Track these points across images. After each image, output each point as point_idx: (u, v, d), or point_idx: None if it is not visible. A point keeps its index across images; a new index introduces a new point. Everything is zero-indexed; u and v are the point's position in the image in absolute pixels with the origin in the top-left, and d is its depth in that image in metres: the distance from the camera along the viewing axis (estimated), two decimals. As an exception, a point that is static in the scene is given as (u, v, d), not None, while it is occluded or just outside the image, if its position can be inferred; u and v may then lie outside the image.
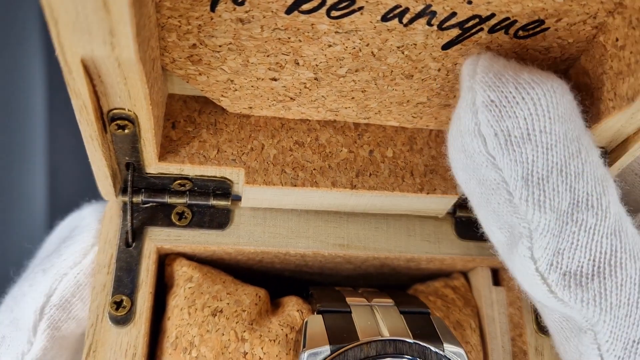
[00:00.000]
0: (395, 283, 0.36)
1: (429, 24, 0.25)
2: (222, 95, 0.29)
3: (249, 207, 0.31)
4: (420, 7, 0.24)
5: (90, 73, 0.22)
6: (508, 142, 0.22)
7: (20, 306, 0.30)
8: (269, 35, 0.25)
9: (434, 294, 0.33)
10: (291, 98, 0.29)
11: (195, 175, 0.29)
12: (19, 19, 0.63)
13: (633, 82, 0.24)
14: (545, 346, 0.31)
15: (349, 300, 0.29)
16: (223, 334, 0.28)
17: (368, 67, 0.27)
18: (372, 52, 0.27)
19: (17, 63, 0.62)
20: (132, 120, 0.25)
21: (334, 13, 0.24)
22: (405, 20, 0.25)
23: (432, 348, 0.27)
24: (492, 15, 0.25)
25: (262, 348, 0.27)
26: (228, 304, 0.29)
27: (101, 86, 0.23)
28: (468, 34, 0.26)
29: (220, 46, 0.26)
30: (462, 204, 0.32)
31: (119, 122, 0.25)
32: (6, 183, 0.62)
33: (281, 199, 0.30)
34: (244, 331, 0.28)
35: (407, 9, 0.24)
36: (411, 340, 0.27)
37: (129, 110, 0.24)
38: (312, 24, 0.25)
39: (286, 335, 0.28)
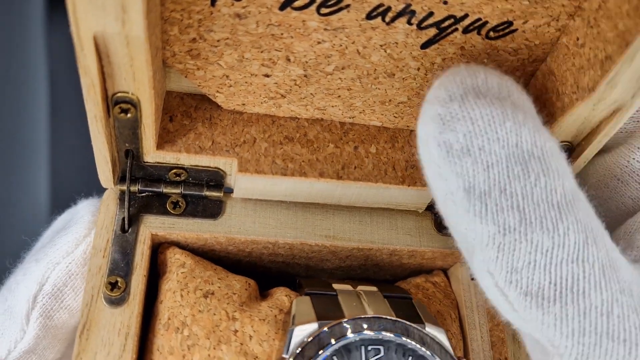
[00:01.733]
0: (378, 280, 0.37)
1: (409, 22, 0.28)
2: (217, 91, 0.31)
3: (240, 199, 0.33)
4: (401, 6, 0.27)
5: (100, 52, 0.24)
6: (450, 153, 0.24)
7: (14, 295, 0.30)
8: (264, 31, 0.28)
9: (415, 287, 0.34)
10: (282, 95, 0.31)
11: (191, 165, 0.31)
12: (22, 11, 0.64)
13: (593, 74, 0.26)
14: (522, 334, 0.32)
15: (335, 285, 0.30)
16: (214, 314, 0.29)
17: (353, 65, 0.30)
18: (357, 50, 0.29)
19: (20, 60, 0.64)
20: (135, 105, 0.27)
21: (324, 10, 0.27)
22: (387, 19, 0.27)
23: (415, 326, 0.28)
24: (466, 15, 0.28)
25: (252, 326, 0.28)
26: (219, 287, 0.30)
27: (108, 67, 0.25)
28: (444, 33, 0.28)
29: (218, 41, 0.28)
30: (442, 201, 0.34)
31: (122, 105, 0.26)
32: (8, 179, 0.63)
33: (272, 189, 0.31)
34: (235, 311, 0.29)
35: (389, 8, 0.27)
36: (395, 318, 0.28)
37: (132, 93, 0.26)
38: (304, 21, 0.27)
39: (275, 316, 0.29)
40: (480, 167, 0.23)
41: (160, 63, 0.28)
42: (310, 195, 0.32)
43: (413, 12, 0.27)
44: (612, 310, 0.23)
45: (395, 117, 0.33)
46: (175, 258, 0.31)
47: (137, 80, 0.25)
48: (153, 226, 0.31)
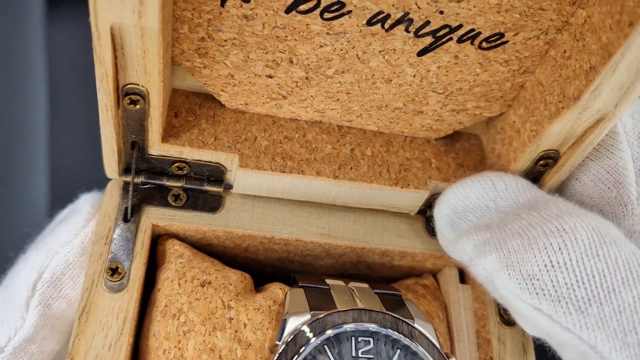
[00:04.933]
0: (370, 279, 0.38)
1: (407, 30, 0.29)
2: (222, 90, 0.32)
3: (240, 195, 0.34)
4: (399, 14, 0.28)
5: (115, 43, 0.25)
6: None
7: (15, 283, 0.31)
8: (269, 33, 0.29)
9: (406, 289, 0.35)
10: (283, 96, 0.33)
11: (193, 159, 0.32)
12: (22, 9, 0.64)
13: (578, 84, 0.28)
14: (507, 336, 0.33)
15: (327, 280, 0.31)
16: (211, 302, 0.30)
17: (353, 69, 0.31)
18: (357, 55, 0.31)
19: (20, 54, 0.64)
20: (144, 97, 0.28)
21: (327, 15, 0.28)
22: (386, 26, 0.29)
23: (404, 319, 0.29)
24: (460, 26, 0.29)
25: (246, 315, 0.29)
26: (216, 277, 0.31)
27: (122, 59, 0.26)
28: (440, 42, 0.30)
29: (225, 40, 0.30)
30: (433, 205, 0.36)
31: (132, 96, 0.28)
32: (8, 174, 0.62)
33: (270, 185, 0.33)
34: (230, 300, 0.30)
35: (388, 15, 0.29)
36: (385, 312, 0.29)
37: (142, 86, 0.27)
38: (307, 24, 0.29)
39: (269, 306, 0.30)
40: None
41: (169, 59, 0.29)
42: (307, 193, 0.33)
43: (411, 21, 0.29)
44: None
45: (391, 122, 0.35)
46: (174, 249, 0.32)
47: (148, 72, 0.27)
48: (154, 217, 0.32)
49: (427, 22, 0.29)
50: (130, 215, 0.31)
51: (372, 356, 0.28)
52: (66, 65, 0.68)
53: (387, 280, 0.38)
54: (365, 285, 0.32)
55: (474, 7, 0.28)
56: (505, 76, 0.32)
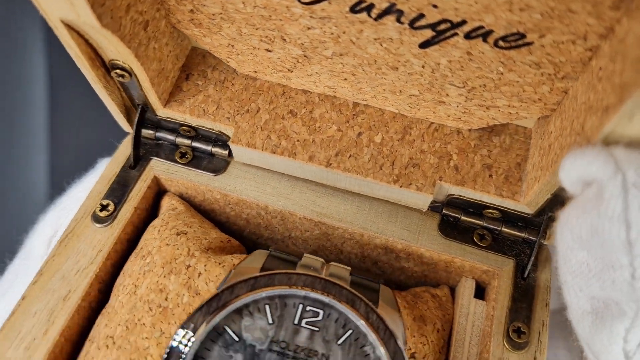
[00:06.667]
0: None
1: (399, 21, 0.24)
2: (228, 57, 0.31)
3: (244, 163, 0.34)
4: (385, 5, 0.24)
5: (77, 30, 0.25)
6: None
7: (32, 240, 0.35)
8: (252, 11, 0.27)
9: (414, 295, 0.33)
10: (288, 69, 0.31)
11: (197, 125, 0.32)
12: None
13: (594, 121, 0.21)
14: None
15: (306, 255, 0.30)
16: (177, 249, 0.31)
17: (351, 53, 0.28)
18: (350, 40, 0.27)
19: (18, 36, 0.64)
20: (129, 71, 0.28)
21: (304, 0, 0.25)
22: (374, 15, 0.25)
23: (365, 300, 0.26)
24: (464, 22, 0.23)
25: (205, 266, 0.30)
26: (194, 230, 0.32)
27: (93, 40, 0.26)
28: (442, 36, 0.25)
29: (213, 15, 0.28)
30: (451, 203, 0.31)
31: (118, 71, 0.28)
32: (8, 174, 0.64)
33: (266, 160, 0.32)
34: (197, 250, 0.31)
35: (372, 5, 0.24)
36: (345, 286, 0.27)
37: (124, 62, 0.28)
38: (287, 6, 0.26)
39: (234, 264, 0.30)
40: None
41: (159, 31, 0.29)
42: (303, 174, 0.32)
43: (400, 12, 0.24)
44: None
45: (411, 107, 0.30)
46: (170, 203, 0.34)
47: (122, 53, 0.27)
48: (158, 169, 0.33)
49: (421, 15, 0.24)
50: (134, 162, 0.33)
51: (316, 328, 0.26)
52: (66, 65, 0.64)
53: (401, 287, 0.35)
54: (347, 268, 0.30)
55: (476, 3, 0.22)
56: (540, 79, 0.25)
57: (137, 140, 0.33)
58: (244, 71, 0.32)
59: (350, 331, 0.26)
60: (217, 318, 0.25)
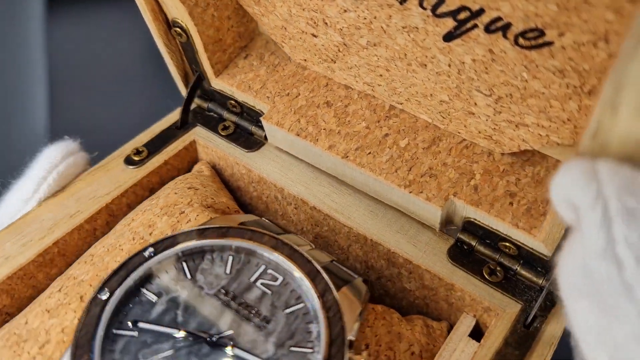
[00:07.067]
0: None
1: (422, 6, 0.24)
2: (282, 41, 0.33)
3: (277, 147, 0.34)
4: (407, -15, 0.24)
5: None
6: None
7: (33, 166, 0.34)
8: None
9: (408, 321, 0.30)
10: (332, 59, 0.31)
11: (242, 101, 0.34)
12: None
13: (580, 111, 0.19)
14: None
15: (297, 235, 0.29)
16: (181, 197, 0.32)
17: (383, 43, 0.27)
18: (381, 27, 0.27)
19: (20, 54, 0.65)
20: (185, 31, 0.31)
21: (339, -25, 0.26)
22: (399, -3, 0.25)
23: (326, 278, 0.25)
24: (482, 10, 0.22)
25: (196, 215, 0.31)
26: (206, 190, 0.33)
27: None
28: (463, 28, 0.24)
29: (268, -9, 0.30)
30: (468, 228, 0.29)
31: (176, 29, 0.31)
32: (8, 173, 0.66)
33: (290, 143, 0.32)
34: (197, 203, 0.32)
35: (396, -16, 0.24)
36: (312, 261, 0.26)
37: (181, 21, 0.31)
38: None
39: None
40: None
41: (215, 2, 0.31)
42: (321, 164, 0.32)
43: (422, -6, 0.24)
44: None
45: (443, 117, 0.29)
46: (200, 167, 0.35)
47: (179, 10, 0.30)
48: (198, 135, 0.35)
49: (442, 0, 0.23)
50: (181, 124, 0.35)
51: (269, 291, 0.25)
52: (66, 65, 0.66)
53: (400, 308, 0.33)
54: (329, 256, 0.29)
55: None
56: (565, 92, 0.23)
57: (188, 103, 0.35)
58: (295, 58, 0.33)
59: (301, 304, 0.25)
60: (178, 249, 0.26)
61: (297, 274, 0.25)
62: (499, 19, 0.22)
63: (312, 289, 0.25)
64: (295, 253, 0.26)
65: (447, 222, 0.30)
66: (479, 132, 0.28)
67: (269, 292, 0.25)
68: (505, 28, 0.23)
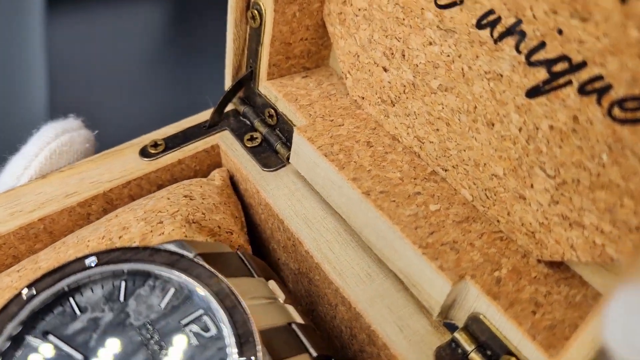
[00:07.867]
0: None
1: (517, 49, 0.22)
2: (348, 71, 0.31)
3: (295, 173, 0.31)
4: (511, 20, 0.22)
5: None
6: None
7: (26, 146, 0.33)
8: (392, 10, 0.27)
9: None
10: (392, 101, 0.29)
11: (282, 111, 0.31)
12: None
13: None
14: None
15: (271, 282, 0.25)
16: (171, 205, 0.28)
17: (456, 89, 0.25)
18: (462, 69, 0.24)
19: (20, 53, 0.64)
20: (261, 14, 0.30)
21: (440, 1, 0.24)
22: (496, 34, 0.23)
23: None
24: (584, 63, 0.20)
25: (172, 230, 0.27)
26: (202, 203, 0.29)
27: None
28: (555, 83, 0.21)
29: (359, 10, 0.28)
30: (470, 326, 0.24)
31: (254, 11, 0.30)
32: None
33: (313, 167, 0.29)
34: (181, 216, 0.28)
35: (499, 18, 0.22)
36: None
37: (263, 4, 0.29)
38: (422, 9, 0.25)
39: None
40: None
41: (301, 5, 0.30)
42: (338, 197, 0.28)
43: (523, 34, 0.22)
44: None
45: (487, 196, 0.26)
46: (213, 174, 0.32)
47: None
48: (222, 140, 0.33)
49: (542, 44, 0.21)
50: (209, 124, 0.33)
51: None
52: (66, 65, 0.66)
53: None
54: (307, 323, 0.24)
55: (604, 35, 0.19)
56: (647, 189, 0.20)
57: (225, 102, 0.33)
58: (354, 94, 0.31)
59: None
60: (124, 267, 0.22)
61: (228, 331, 0.20)
62: (599, 77, 0.20)
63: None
64: (236, 308, 0.21)
65: (448, 310, 0.25)
66: (522, 225, 0.24)
67: (195, 343, 0.20)
68: (603, 91, 0.20)
